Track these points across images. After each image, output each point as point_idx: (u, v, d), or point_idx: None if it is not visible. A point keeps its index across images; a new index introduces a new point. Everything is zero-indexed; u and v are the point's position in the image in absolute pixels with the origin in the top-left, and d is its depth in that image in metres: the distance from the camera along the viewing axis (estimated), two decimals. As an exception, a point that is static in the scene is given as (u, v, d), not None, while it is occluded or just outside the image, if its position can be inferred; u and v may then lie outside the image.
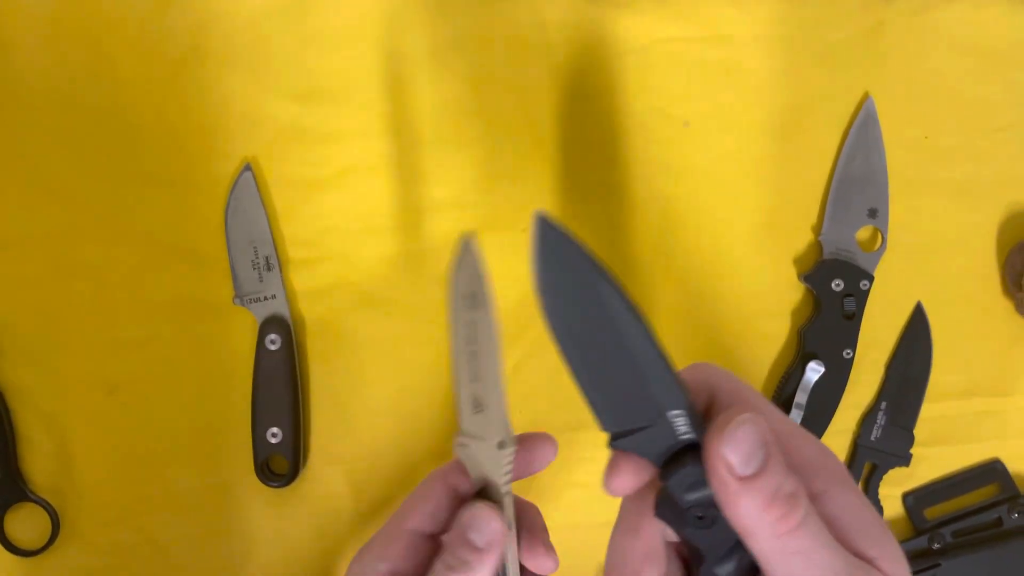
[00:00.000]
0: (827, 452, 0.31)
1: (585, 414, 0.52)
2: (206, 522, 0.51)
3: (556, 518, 0.51)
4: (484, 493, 0.36)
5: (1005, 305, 0.53)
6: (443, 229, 0.51)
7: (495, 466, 0.36)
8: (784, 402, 0.51)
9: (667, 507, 0.31)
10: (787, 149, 0.53)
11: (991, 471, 0.52)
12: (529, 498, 0.51)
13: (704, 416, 0.31)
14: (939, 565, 0.50)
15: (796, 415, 0.50)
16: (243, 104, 0.51)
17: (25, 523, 0.50)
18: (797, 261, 0.53)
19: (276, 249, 0.50)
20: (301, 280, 0.51)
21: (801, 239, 0.53)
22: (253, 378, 0.50)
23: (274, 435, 0.49)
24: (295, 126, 0.51)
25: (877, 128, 0.52)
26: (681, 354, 0.52)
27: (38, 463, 0.50)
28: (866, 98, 0.52)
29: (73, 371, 0.50)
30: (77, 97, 0.51)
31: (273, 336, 0.49)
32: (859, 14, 0.53)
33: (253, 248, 0.50)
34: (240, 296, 0.50)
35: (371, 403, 0.51)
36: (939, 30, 0.53)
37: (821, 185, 0.53)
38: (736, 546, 0.30)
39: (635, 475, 0.31)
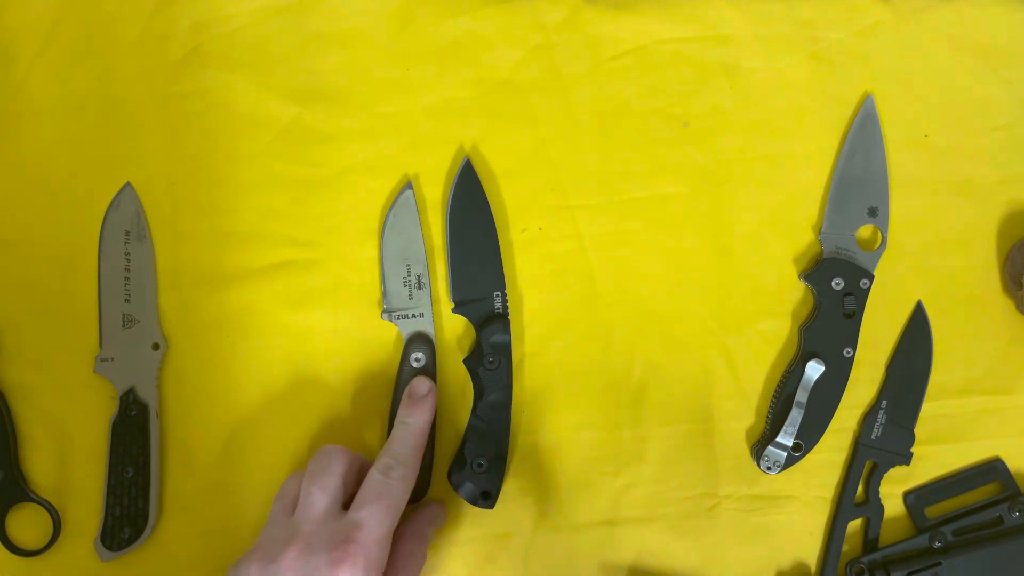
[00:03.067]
0: None
1: (586, 414, 0.52)
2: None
3: (557, 518, 0.51)
4: (127, 399, 0.48)
5: (1005, 304, 0.53)
6: (442, 229, 0.51)
7: (148, 367, 0.49)
8: (784, 401, 0.51)
9: (473, 356, 0.49)
10: (787, 149, 0.53)
11: (992, 470, 0.52)
12: (531, 498, 0.51)
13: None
14: (940, 564, 0.50)
15: (796, 414, 0.50)
16: (243, 104, 0.51)
17: (26, 523, 0.50)
18: (797, 260, 0.53)
19: (428, 268, 0.51)
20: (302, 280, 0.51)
21: (801, 238, 0.53)
22: (394, 393, 0.50)
23: None
24: (295, 126, 0.51)
25: (877, 127, 0.52)
26: (681, 353, 0.52)
27: (39, 463, 0.50)
28: (866, 97, 0.52)
29: (74, 371, 0.50)
30: (78, 98, 0.51)
31: (418, 354, 0.50)
32: (859, 14, 0.53)
33: (406, 265, 0.50)
34: (389, 311, 0.50)
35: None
36: (939, 30, 0.53)
37: (821, 185, 0.53)
38: (506, 386, 0.49)
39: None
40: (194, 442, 0.50)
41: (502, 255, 0.51)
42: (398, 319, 0.50)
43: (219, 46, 0.51)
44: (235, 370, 0.51)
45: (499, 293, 0.50)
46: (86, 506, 0.50)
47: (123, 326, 0.49)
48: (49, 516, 0.49)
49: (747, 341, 0.52)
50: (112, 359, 0.49)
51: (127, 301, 0.49)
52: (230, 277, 0.51)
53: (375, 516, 0.42)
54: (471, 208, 0.50)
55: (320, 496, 0.43)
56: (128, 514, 0.49)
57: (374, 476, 0.44)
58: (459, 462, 0.50)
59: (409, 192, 0.50)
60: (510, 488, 0.51)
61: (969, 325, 0.53)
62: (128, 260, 0.49)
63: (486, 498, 0.49)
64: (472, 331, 0.50)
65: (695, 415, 0.52)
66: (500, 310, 0.50)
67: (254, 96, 0.51)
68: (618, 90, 0.52)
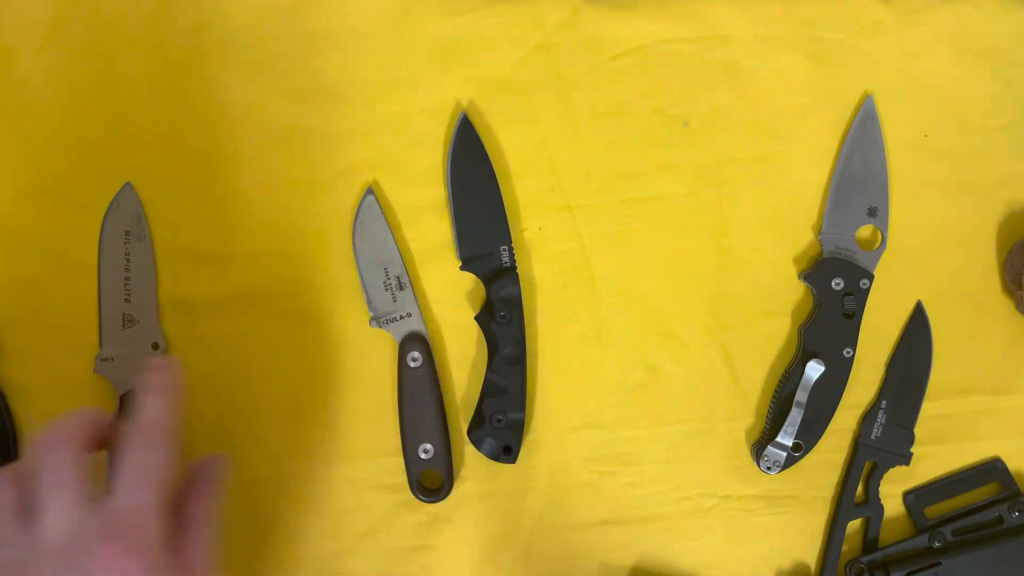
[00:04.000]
0: None
1: (586, 414, 0.52)
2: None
3: (559, 518, 0.51)
4: (127, 400, 0.46)
5: (1005, 304, 0.53)
6: (442, 229, 0.51)
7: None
8: (784, 401, 0.51)
9: (484, 312, 0.50)
10: (787, 149, 0.53)
11: (991, 470, 0.52)
12: (533, 497, 0.51)
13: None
14: (939, 564, 0.50)
15: (796, 414, 0.50)
16: (243, 104, 0.51)
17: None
18: (797, 260, 0.53)
19: (406, 268, 0.51)
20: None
21: (801, 238, 0.53)
22: (399, 397, 0.50)
23: (426, 451, 0.50)
24: (295, 126, 0.51)
25: (877, 127, 0.52)
26: (681, 353, 0.52)
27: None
28: (866, 97, 0.52)
29: (74, 371, 0.50)
30: (77, 97, 0.51)
31: (415, 354, 0.50)
32: (858, 14, 0.53)
33: (383, 269, 0.50)
34: (376, 318, 0.50)
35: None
36: (939, 30, 0.53)
37: (821, 185, 0.53)
38: (520, 340, 0.50)
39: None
40: (193, 443, 0.50)
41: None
42: (387, 324, 0.50)
43: (219, 46, 0.51)
44: (235, 372, 0.51)
45: (506, 247, 0.50)
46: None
47: (123, 326, 0.49)
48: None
49: (747, 341, 0.52)
50: (112, 359, 0.49)
51: (127, 301, 0.49)
52: (230, 277, 0.51)
53: (137, 490, 0.38)
54: (471, 163, 0.51)
55: (67, 495, 0.37)
56: None
57: (133, 451, 0.39)
58: (478, 419, 0.50)
59: (371, 197, 0.50)
60: (510, 488, 0.51)
61: (969, 325, 0.53)
62: (128, 260, 0.49)
63: (507, 453, 0.50)
64: (482, 288, 0.50)
65: (695, 415, 0.52)
66: (508, 264, 0.50)
67: (254, 96, 0.51)
68: (618, 90, 0.52)
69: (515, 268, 0.50)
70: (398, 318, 0.50)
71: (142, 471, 0.39)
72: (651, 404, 0.52)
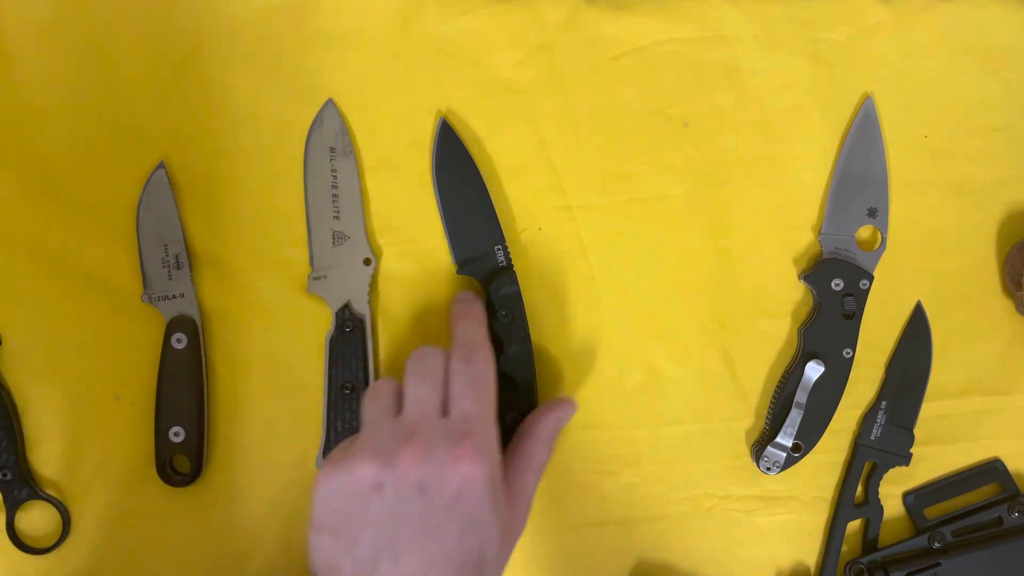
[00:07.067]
0: None
1: (587, 414, 0.52)
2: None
3: (562, 518, 0.51)
4: (343, 315, 0.49)
5: (1005, 304, 0.53)
6: (440, 229, 0.52)
7: (360, 283, 0.50)
8: (784, 401, 0.51)
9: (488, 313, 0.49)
10: (787, 149, 0.53)
11: (991, 470, 0.52)
12: (535, 496, 0.51)
13: None
14: (939, 564, 0.50)
15: (796, 414, 0.50)
16: (243, 104, 0.51)
17: (35, 521, 0.50)
18: (797, 260, 0.53)
19: (187, 247, 0.50)
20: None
21: (801, 239, 0.53)
22: (158, 377, 0.49)
23: (176, 434, 0.49)
24: (295, 126, 0.51)
25: (877, 128, 0.52)
26: (681, 353, 0.52)
27: (47, 462, 0.50)
28: (866, 98, 0.52)
29: (79, 373, 0.50)
30: (78, 98, 0.51)
31: (180, 335, 0.49)
32: (858, 14, 0.53)
33: (164, 246, 0.50)
34: (149, 294, 0.49)
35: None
36: (939, 30, 0.53)
37: (821, 185, 0.53)
38: (525, 337, 0.50)
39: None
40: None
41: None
42: (159, 301, 0.49)
43: (219, 46, 0.51)
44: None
45: (500, 247, 0.50)
46: (93, 503, 0.50)
47: (333, 243, 0.50)
48: (58, 514, 0.49)
49: (747, 341, 0.52)
50: (325, 276, 0.50)
51: (336, 218, 0.50)
52: (230, 277, 0.51)
53: (479, 405, 0.42)
54: (456, 167, 0.51)
55: (430, 394, 0.42)
56: (350, 429, 0.49)
57: (457, 367, 0.43)
58: None
59: (161, 171, 0.50)
60: (510, 488, 0.51)
61: (969, 325, 0.53)
62: (335, 177, 0.50)
63: None
64: (481, 291, 0.51)
65: (695, 415, 0.52)
66: (504, 263, 0.50)
67: (254, 96, 0.51)
68: (618, 90, 0.52)
69: (511, 266, 0.50)
70: (171, 297, 0.49)
71: (469, 382, 0.43)
72: (651, 404, 0.52)
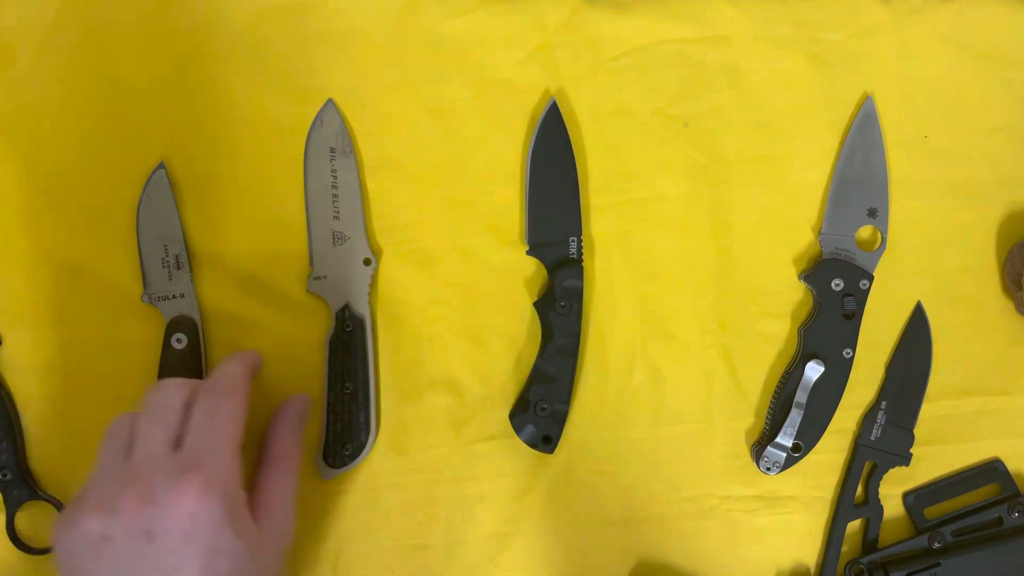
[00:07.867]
0: None
1: (587, 414, 0.52)
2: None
3: (565, 517, 0.51)
4: (342, 317, 0.49)
5: (1005, 305, 0.53)
6: (442, 228, 0.52)
7: (360, 283, 0.50)
8: (784, 401, 0.51)
9: (545, 299, 0.50)
10: (787, 149, 0.53)
11: (991, 470, 0.52)
12: (535, 496, 0.51)
13: None
14: (939, 564, 0.50)
15: (796, 414, 0.50)
16: (243, 105, 0.51)
17: (35, 521, 0.50)
18: (797, 261, 0.53)
19: (187, 247, 0.50)
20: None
21: (801, 239, 0.53)
22: (158, 377, 0.49)
23: None
24: (295, 126, 0.51)
25: (877, 128, 0.52)
26: (681, 353, 0.52)
27: (47, 462, 0.50)
28: (866, 98, 0.52)
29: (79, 373, 0.50)
30: (78, 98, 0.51)
31: (180, 335, 0.49)
32: (859, 14, 0.53)
33: (164, 246, 0.50)
34: (149, 294, 0.49)
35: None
36: (939, 30, 0.53)
37: (821, 185, 0.53)
38: (575, 332, 0.50)
39: None
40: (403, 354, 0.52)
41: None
42: (159, 301, 0.49)
43: (219, 46, 0.51)
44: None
45: (575, 238, 0.51)
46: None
47: (333, 243, 0.50)
48: (58, 513, 0.49)
49: (747, 341, 0.52)
50: (325, 276, 0.50)
51: (336, 218, 0.50)
52: (228, 277, 0.51)
53: (213, 433, 0.40)
54: (554, 150, 0.51)
55: (161, 429, 0.40)
56: (349, 430, 0.49)
57: (200, 398, 0.42)
58: (522, 404, 0.50)
59: (161, 171, 0.50)
60: (510, 488, 0.51)
61: (969, 325, 0.53)
62: (335, 177, 0.50)
63: (547, 442, 0.50)
64: (543, 273, 0.51)
65: (695, 415, 0.52)
66: (575, 255, 0.51)
67: (254, 96, 0.51)
68: (618, 90, 0.52)
69: (581, 260, 0.51)
70: (170, 297, 0.50)
71: (208, 412, 0.41)
72: (651, 404, 0.52)
